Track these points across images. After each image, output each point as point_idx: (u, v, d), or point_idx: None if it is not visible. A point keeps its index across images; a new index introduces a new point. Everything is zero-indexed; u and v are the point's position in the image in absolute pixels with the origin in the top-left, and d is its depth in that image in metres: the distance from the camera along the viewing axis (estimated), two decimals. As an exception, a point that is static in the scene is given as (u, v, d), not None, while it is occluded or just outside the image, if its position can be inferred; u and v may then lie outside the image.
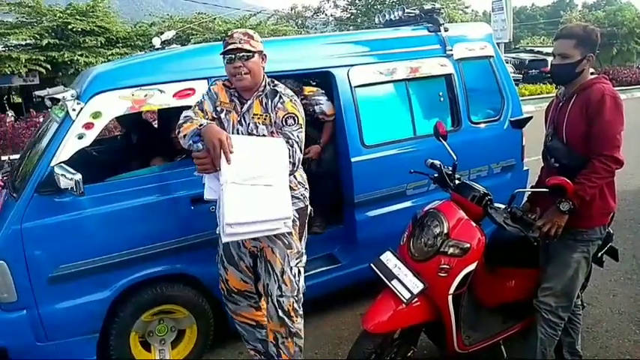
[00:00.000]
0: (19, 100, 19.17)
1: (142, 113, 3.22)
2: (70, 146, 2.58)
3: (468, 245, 2.31)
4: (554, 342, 2.50)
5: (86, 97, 2.65)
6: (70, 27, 14.72)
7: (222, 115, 2.47)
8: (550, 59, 2.61)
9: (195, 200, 2.80)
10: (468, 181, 2.63)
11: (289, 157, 2.29)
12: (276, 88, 2.43)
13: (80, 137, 2.60)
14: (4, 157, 5.32)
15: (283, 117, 2.37)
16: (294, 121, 2.37)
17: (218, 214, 2.26)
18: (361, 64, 3.38)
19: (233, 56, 2.31)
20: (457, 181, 2.61)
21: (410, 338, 2.52)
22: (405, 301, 2.27)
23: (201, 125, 2.28)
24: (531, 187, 2.71)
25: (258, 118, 2.41)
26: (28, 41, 14.96)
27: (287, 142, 2.33)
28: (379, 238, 2.92)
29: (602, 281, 3.79)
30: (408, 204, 3.47)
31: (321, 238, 3.48)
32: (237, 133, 2.42)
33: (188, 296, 2.92)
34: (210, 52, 3.17)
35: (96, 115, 2.64)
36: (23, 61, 14.27)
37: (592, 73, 2.42)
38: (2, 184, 3.16)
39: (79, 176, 2.36)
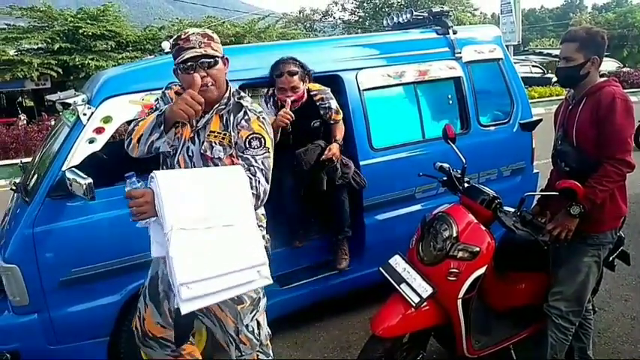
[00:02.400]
0: (31, 103, 19.40)
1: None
2: (81, 150, 2.60)
3: (478, 249, 2.30)
4: (564, 347, 2.48)
5: (97, 101, 2.68)
6: (81, 31, 14.89)
7: (174, 129, 2.07)
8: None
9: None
10: (477, 185, 2.62)
11: (252, 189, 1.86)
12: (241, 101, 2.04)
13: (91, 142, 2.62)
14: (16, 160, 5.37)
15: (247, 138, 1.97)
16: (260, 143, 1.97)
17: (170, 276, 1.68)
18: (370, 68, 3.38)
19: (193, 64, 1.90)
20: (466, 185, 2.60)
21: (419, 342, 2.51)
22: (414, 305, 2.26)
23: (161, 112, 1.92)
24: (541, 191, 2.69)
25: (215, 137, 2.01)
26: (40, 45, 15.17)
27: (248, 170, 1.91)
28: (388, 241, 2.91)
29: (614, 285, 3.76)
30: (417, 207, 3.46)
31: (329, 241, 3.48)
32: (187, 153, 2.04)
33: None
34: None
35: (106, 119, 2.67)
36: (35, 65, 14.46)
37: (602, 75, 2.41)
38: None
39: (90, 180, 2.38)
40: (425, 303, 2.28)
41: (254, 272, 1.75)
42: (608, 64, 21.23)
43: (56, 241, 2.53)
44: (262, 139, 1.98)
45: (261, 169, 1.94)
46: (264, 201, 1.96)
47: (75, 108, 2.64)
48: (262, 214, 2.22)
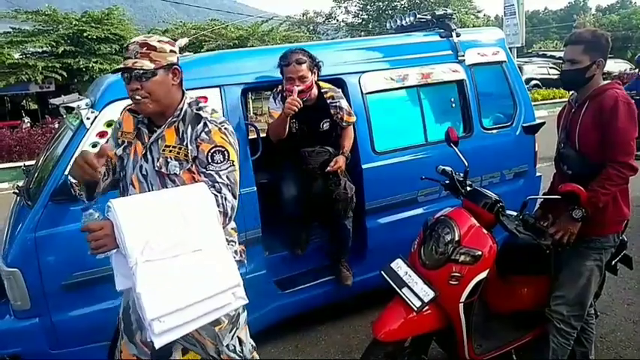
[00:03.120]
0: (35, 106, 19.49)
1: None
2: (84, 154, 2.60)
3: (480, 253, 2.29)
4: (566, 351, 2.47)
5: (100, 105, 2.68)
6: (85, 34, 14.96)
7: (121, 151, 1.98)
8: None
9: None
10: (479, 188, 2.62)
11: (218, 207, 1.75)
12: (200, 112, 1.90)
13: (94, 146, 2.62)
14: (19, 163, 5.39)
15: (209, 151, 1.83)
16: (224, 156, 1.84)
17: (139, 310, 1.58)
18: (373, 71, 3.38)
19: (128, 76, 1.81)
20: (469, 188, 2.59)
21: (421, 346, 2.50)
22: (415, 309, 2.26)
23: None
24: (544, 194, 2.69)
25: (170, 151, 1.87)
26: (44, 49, 15.25)
27: (213, 187, 1.79)
28: (390, 245, 2.90)
29: (617, 290, 3.74)
30: (419, 211, 3.46)
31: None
32: (140, 172, 1.91)
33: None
34: (222, 59, 3.22)
35: (110, 123, 2.67)
36: (40, 68, 14.54)
37: (605, 79, 2.40)
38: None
39: None
40: (426, 307, 2.27)
41: (229, 295, 1.67)
42: (620, 65, 21.13)
43: (58, 245, 2.53)
44: (226, 152, 1.85)
45: (227, 185, 1.82)
46: (233, 218, 1.86)
47: (78, 112, 2.65)
48: (233, 229, 2.12)
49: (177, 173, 1.86)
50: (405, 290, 2.33)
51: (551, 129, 2.91)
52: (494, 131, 3.79)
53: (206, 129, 1.85)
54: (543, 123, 3.95)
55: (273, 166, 3.40)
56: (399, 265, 2.44)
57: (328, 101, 3.09)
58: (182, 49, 3.94)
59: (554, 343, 2.43)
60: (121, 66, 1.81)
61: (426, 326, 2.35)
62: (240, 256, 2.14)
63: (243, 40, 17.76)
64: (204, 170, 1.84)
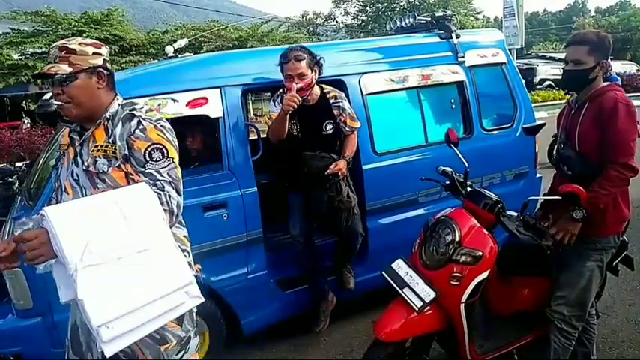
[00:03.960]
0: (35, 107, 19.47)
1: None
2: (85, 154, 2.61)
3: (481, 253, 2.30)
4: (568, 352, 2.47)
5: (101, 106, 2.68)
6: (84, 35, 14.93)
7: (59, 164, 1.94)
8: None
9: (207, 208, 2.83)
10: (480, 189, 2.62)
11: (163, 205, 1.69)
12: (133, 112, 1.83)
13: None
14: (19, 164, 5.40)
15: (146, 150, 1.76)
16: (163, 154, 1.78)
17: (85, 319, 1.46)
18: (373, 72, 3.39)
19: (51, 81, 1.77)
20: (469, 189, 2.60)
21: (422, 346, 2.50)
22: (416, 309, 2.26)
23: None
24: (544, 195, 2.69)
25: (98, 150, 1.81)
26: (44, 49, 15.23)
27: (155, 186, 1.73)
28: (391, 245, 2.92)
29: (618, 290, 3.74)
30: (419, 212, 3.47)
31: (330, 246, 3.48)
32: (72, 178, 1.86)
33: (200, 303, 2.92)
34: (222, 60, 3.22)
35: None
36: (39, 69, 14.49)
37: (604, 80, 2.41)
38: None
39: None
40: (428, 307, 2.28)
41: (181, 294, 1.60)
42: (627, 67, 21.16)
43: (60, 245, 2.54)
44: (164, 150, 1.79)
45: (170, 182, 1.76)
46: (180, 216, 1.80)
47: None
48: (185, 236, 2.04)
49: (106, 171, 1.79)
50: (406, 290, 2.33)
51: (551, 131, 2.92)
52: (495, 132, 3.80)
53: (140, 127, 1.79)
54: (543, 124, 3.96)
55: (274, 167, 3.40)
56: (400, 266, 2.45)
57: (331, 101, 3.01)
58: (182, 50, 3.97)
59: (555, 344, 2.43)
60: (42, 70, 1.76)
61: (427, 326, 2.35)
62: (195, 272, 2.01)
63: (242, 42, 17.78)
64: (142, 170, 1.77)
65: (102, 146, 1.81)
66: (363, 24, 34.18)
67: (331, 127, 3.01)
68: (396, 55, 3.54)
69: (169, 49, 3.77)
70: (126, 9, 18.20)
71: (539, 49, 39.02)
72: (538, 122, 3.97)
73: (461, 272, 2.29)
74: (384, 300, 2.47)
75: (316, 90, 3.01)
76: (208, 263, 2.86)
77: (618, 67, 19.41)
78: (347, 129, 3.04)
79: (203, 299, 1.68)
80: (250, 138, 3.13)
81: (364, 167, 3.25)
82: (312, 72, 2.89)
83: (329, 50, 3.61)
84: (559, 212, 2.39)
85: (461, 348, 2.45)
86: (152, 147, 1.77)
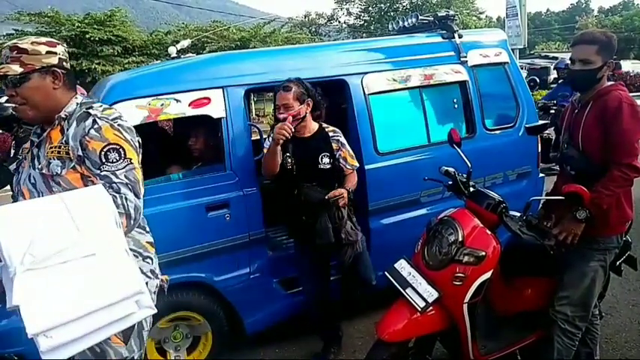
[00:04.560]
0: (38, 108, 19.54)
1: (157, 122, 3.28)
2: (88, 155, 2.61)
3: (483, 253, 2.29)
4: (571, 352, 2.47)
5: (104, 106, 2.69)
6: (87, 36, 15.00)
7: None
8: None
9: (210, 208, 2.83)
10: (482, 189, 2.62)
11: (118, 208, 1.60)
12: (89, 110, 1.75)
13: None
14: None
15: (101, 150, 1.68)
16: (120, 155, 1.69)
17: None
18: (375, 72, 3.38)
19: (5, 82, 1.72)
20: (472, 189, 2.59)
21: (425, 347, 2.50)
22: (419, 309, 2.26)
23: None
24: (547, 195, 2.69)
25: (53, 152, 1.73)
26: (47, 50, 15.26)
27: (110, 188, 1.65)
28: (393, 246, 2.91)
29: (621, 291, 3.73)
30: (422, 212, 3.46)
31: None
32: (29, 181, 1.78)
33: (203, 303, 2.93)
34: (225, 61, 3.22)
35: (113, 124, 2.68)
36: (43, 70, 14.54)
37: (608, 79, 2.40)
38: None
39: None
40: (430, 307, 2.28)
41: (131, 304, 1.46)
42: (636, 66, 21.06)
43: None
44: (121, 150, 1.69)
45: (126, 184, 1.68)
46: (138, 220, 1.70)
47: (82, 113, 2.65)
48: (148, 242, 1.94)
49: (60, 173, 1.71)
50: (408, 291, 2.33)
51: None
52: (497, 132, 3.79)
53: (96, 126, 1.70)
54: (546, 124, 3.95)
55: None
56: (403, 266, 2.44)
57: (330, 134, 2.85)
58: (184, 51, 3.98)
59: (558, 344, 2.43)
60: None
61: (430, 327, 2.35)
62: (158, 276, 1.92)
63: (245, 42, 17.80)
64: (98, 172, 1.68)
65: (56, 147, 1.73)
66: (366, 24, 34.19)
67: (328, 160, 2.80)
68: (399, 55, 3.53)
69: (172, 50, 3.77)
70: (129, 10, 18.25)
71: (542, 49, 38.91)
72: (541, 122, 3.96)
73: (464, 272, 2.29)
74: (387, 300, 2.47)
75: (313, 125, 2.86)
76: (211, 263, 2.88)
77: (629, 66, 19.37)
78: (347, 166, 2.86)
79: (155, 310, 1.55)
80: (253, 138, 3.13)
81: (366, 167, 3.24)
82: (300, 104, 2.72)
83: (331, 50, 3.62)
84: (562, 212, 2.38)
85: (464, 348, 2.44)
86: (108, 147, 1.69)
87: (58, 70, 1.76)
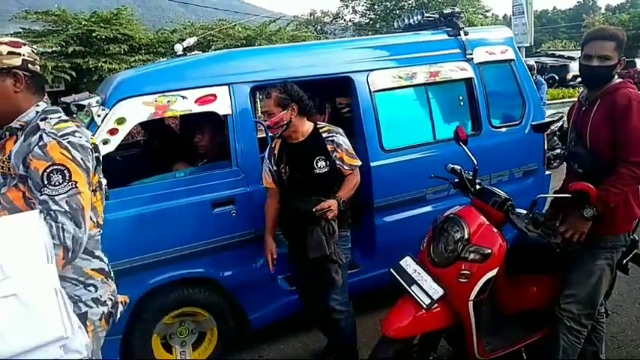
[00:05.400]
0: (45, 106, 19.62)
1: (164, 119, 3.30)
2: (95, 151, 2.63)
3: (489, 251, 2.29)
4: (576, 350, 2.46)
5: (111, 103, 2.71)
6: (94, 34, 15.03)
7: None
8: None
9: (216, 204, 2.85)
10: (488, 186, 2.61)
11: (54, 238, 1.44)
12: (40, 122, 1.58)
13: (105, 142, 2.65)
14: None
15: (44, 171, 1.50)
16: (64, 177, 1.51)
17: None
18: (381, 69, 3.38)
19: None
20: (478, 186, 2.59)
21: (430, 344, 2.50)
22: (424, 306, 2.26)
23: None
24: (554, 192, 2.67)
25: (1, 166, 1.59)
26: (54, 49, 15.34)
27: (48, 215, 1.47)
28: (398, 243, 2.91)
29: (627, 289, 3.71)
30: (427, 209, 3.46)
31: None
32: None
33: (209, 299, 2.95)
34: (231, 58, 3.24)
35: (120, 120, 2.70)
36: (50, 68, 14.62)
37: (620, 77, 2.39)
38: None
39: (104, 181, 2.40)
40: (436, 304, 2.28)
41: (55, 349, 1.32)
42: None
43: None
44: (66, 172, 1.51)
45: (66, 212, 1.49)
46: (78, 252, 1.53)
47: (89, 109, 2.68)
48: (94, 270, 1.73)
49: (1, 191, 1.56)
50: (414, 288, 2.33)
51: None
52: (503, 129, 3.77)
53: (41, 142, 1.52)
54: (552, 121, 3.93)
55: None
56: (408, 263, 2.45)
57: (324, 135, 2.66)
58: (190, 49, 3.98)
59: (564, 342, 2.42)
60: None
61: (435, 324, 2.35)
62: (102, 306, 1.73)
63: (250, 40, 17.78)
64: (38, 196, 1.50)
65: (4, 161, 1.58)
66: (371, 22, 34.11)
67: (324, 164, 2.61)
68: (404, 53, 3.52)
69: (178, 48, 3.77)
70: (135, 8, 18.28)
71: (549, 47, 38.75)
72: (547, 119, 3.95)
73: (469, 270, 2.29)
74: (392, 297, 2.47)
75: (307, 127, 2.68)
76: (217, 259, 2.89)
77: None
78: (345, 167, 2.65)
79: (83, 354, 1.41)
80: (258, 135, 3.14)
81: (372, 164, 3.25)
82: (283, 110, 2.56)
83: (337, 47, 3.62)
84: (569, 210, 2.37)
85: (469, 346, 2.44)
86: (52, 168, 1.50)
87: (20, 73, 1.62)
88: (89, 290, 1.71)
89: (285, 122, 2.58)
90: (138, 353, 2.81)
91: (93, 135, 2.51)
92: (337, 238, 2.58)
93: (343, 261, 2.65)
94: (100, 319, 1.73)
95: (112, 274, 1.85)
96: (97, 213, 1.74)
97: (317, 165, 2.61)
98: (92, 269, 1.73)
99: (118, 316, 1.84)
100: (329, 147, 2.64)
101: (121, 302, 1.88)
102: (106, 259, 1.81)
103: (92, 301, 1.70)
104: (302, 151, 2.66)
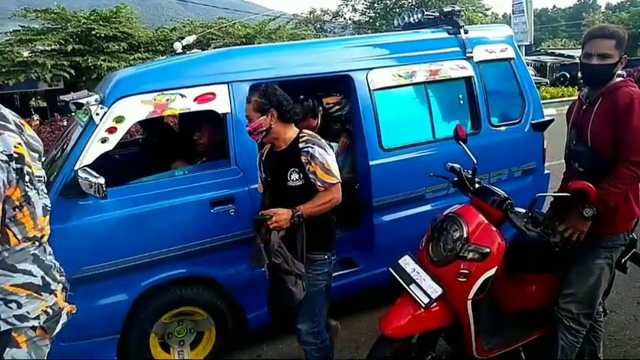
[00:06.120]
0: (44, 104, 19.63)
1: (163, 117, 3.29)
2: (93, 150, 2.63)
3: (488, 250, 2.29)
4: (575, 349, 2.46)
5: (109, 101, 2.70)
6: (93, 33, 15.02)
7: None
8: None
9: (215, 203, 2.84)
10: (488, 185, 2.61)
11: None
12: None
13: (103, 141, 2.65)
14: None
15: None
16: None
17: None
18: (380, 67, 3.37)
19: None
20: (477, 185, 2.58)
21: (428, 343, 2.50)
22: (423, 305, 2.26)
23: None
24: (554, 192, 2.67)
25: None
26: (53, 47, 15.32)
27: None
28: (397, 242, 2.91)
29: (626, 288, 3.71)
30: (427, 208, 3.45)
31: (338, 241, 3.47)
32: None
33: (207, 298, 2.94)
34: (230, 56, 3.23)
35: (119, 119, 2.69)
36: (49, 66, 14.61)
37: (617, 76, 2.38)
38: None
39: (102, 180, 2.40)
40: (434, 304, 2.27)
41: None
42: None
43: (68, 240, 2.55)
44: None
45: None
46: None
47: (88, 108, 2.67)
48: (15, 285, 1.53)
49: None
50: (413, 287, 2.33)
51: (560, 127, 2.90)
52: (503, 128, 3.77)
53: None
54: (552, 120, 3.93)
55: None
56: (407, 262, 2.44)
57: (300, 145, 2.42)
58: (190, 47, 3.98)
59: (563, 341, 2.42)
60: None
61: (433, 323, 2.35)
62: (27, 322, 1.56)
63: (250, 39, 17.76)
64: None
65: None
66: (371, 21, 34.08)
67: (297, 177, 2.41)
68: (404, 51, 3.52)
69: (178, 46, 3.77)
70: (134, 6, 18.23)
71: (549, 46, 38.74)
72: (547, 118, 3.94)
73: (468, 269, 2.28)
74: (391, 296, 2.47)
75: (290, 134, 2.48)
76: (215, 258, 2.89)
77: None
78: (318, 183, 2.38)
79: None
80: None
81: (371, 163, 3.24)
82: (263, 116, 2.39)
83: (336, 46, 3.62)
84: (569, 210, 2.36)
85: (467, 345, 2.44)
86: None
87: None
88: (10, 307, 1.52)
89: (265, 128, 2.41)
90: (135, 353, 2.81)
91: (91, 134, 2.44)
92: (275, 247, 2.31)
93: (289, 269, 2.36)
94: (35, 329, 1.58)
95: (55, 286, 1.65)
96: (23, 228, 1.54)
97: (290, 177, 2.42)
98: (13, 285, 1.53)
99: (58, 328, 1.67)
100: (303, 159, 2.39)
101: (67, 313, 1.72)
102: (40, 272, 1.59)
103: (15, 319, 1.53)
104: (280, 160, 2.49)
